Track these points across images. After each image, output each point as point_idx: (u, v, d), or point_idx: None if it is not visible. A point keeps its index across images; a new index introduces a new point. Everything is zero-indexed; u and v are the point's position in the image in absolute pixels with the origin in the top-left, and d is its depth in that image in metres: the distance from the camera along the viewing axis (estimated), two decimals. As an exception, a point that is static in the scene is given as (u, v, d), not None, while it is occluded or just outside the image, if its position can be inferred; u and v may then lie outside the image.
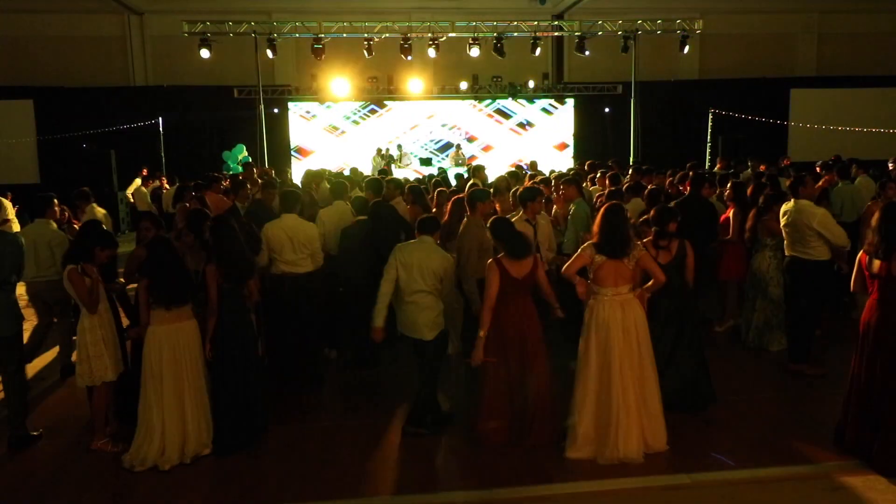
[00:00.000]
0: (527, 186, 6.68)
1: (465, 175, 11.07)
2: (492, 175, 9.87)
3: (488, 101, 19.29)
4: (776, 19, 20.60)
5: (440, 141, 19.32)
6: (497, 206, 6.33)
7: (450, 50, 16.98)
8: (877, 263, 4.49)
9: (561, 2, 19.15)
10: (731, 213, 7.36)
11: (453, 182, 11.00)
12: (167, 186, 14.15)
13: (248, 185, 8.92)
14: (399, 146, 18.32)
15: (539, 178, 8.88)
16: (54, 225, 6.69)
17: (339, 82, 17.81)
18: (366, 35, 15.63)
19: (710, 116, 18.14)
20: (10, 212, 10.78)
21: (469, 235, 5.56)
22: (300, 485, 4.54)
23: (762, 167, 11.76)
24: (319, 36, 15.53)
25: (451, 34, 16.12)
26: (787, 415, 5.51)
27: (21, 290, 6.04)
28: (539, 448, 4.82)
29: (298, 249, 6.08)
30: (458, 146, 18.58)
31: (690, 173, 8.23)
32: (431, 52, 16.15)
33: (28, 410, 5.31)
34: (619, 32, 16.59)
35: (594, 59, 17.47)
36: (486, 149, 19.57)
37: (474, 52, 15.92)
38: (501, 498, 4.34)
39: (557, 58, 20.39)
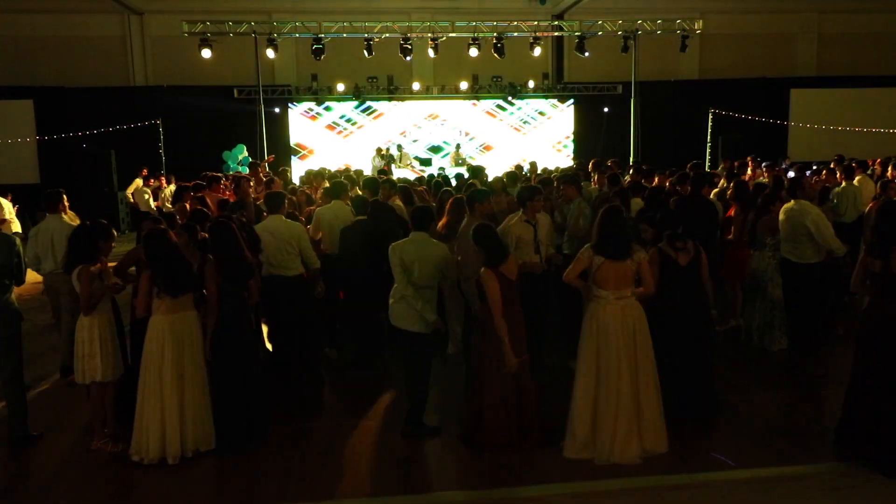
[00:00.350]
0: (525, 186, 6.68)
1: (466, 175, 11.05)
2: (492, 175, 9.87)
3: (488, 100, 19.28)
4: (776, 19, 20.59)
5: (435, 143, 19.28)
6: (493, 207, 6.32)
7: (450, 50, 16.96)
8: (877, 263, 4.49)
9: (561, 2, 19.15)
10: (733, 212, 7.35)
11: (453, 182, 10.99)
12: (167, 186, 14.16)
13: (253, 184, 8.97)
14: (399, 146, 18.29)
15: (537, 178, 8.87)
16: (67, 218, 6.79)
17: (339, 82, 17.77)
18: (366, 35, 15.63)
19: (710, 116, 18.14)
20: (10, 212, 10.77)
21: (469, 236, 5.54)
22: (300, 485, 4.54)
23: (766, 172, 11.22)
24: (319, 36, 15.54)
25: (450, 34, 16.14)
26: (787, 415, 5.50)
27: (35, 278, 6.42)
28: (538, 448, 4.82)
29: (284, 249, 6.10)
30: (458, 146, 18.57)
31: (690, 173, 8.22)
32: (431, 52, 16.16)
33: (28, 410, 5.30)
34: (619, 32, 16.60)
35: (594, 59, 17.46)
36: (486, 149, 19.57)
37: (474, 52, 15.92)
38: (501, 498, 4.34)
39: (557, 58, 20.36)
